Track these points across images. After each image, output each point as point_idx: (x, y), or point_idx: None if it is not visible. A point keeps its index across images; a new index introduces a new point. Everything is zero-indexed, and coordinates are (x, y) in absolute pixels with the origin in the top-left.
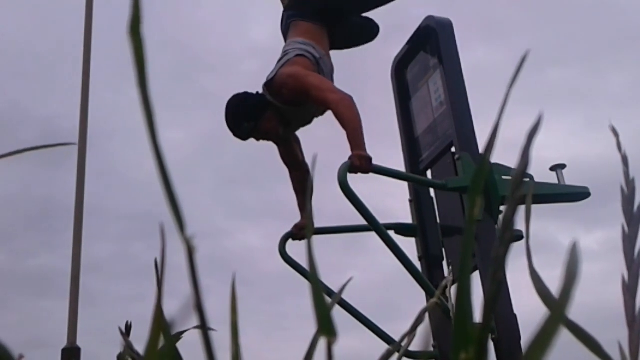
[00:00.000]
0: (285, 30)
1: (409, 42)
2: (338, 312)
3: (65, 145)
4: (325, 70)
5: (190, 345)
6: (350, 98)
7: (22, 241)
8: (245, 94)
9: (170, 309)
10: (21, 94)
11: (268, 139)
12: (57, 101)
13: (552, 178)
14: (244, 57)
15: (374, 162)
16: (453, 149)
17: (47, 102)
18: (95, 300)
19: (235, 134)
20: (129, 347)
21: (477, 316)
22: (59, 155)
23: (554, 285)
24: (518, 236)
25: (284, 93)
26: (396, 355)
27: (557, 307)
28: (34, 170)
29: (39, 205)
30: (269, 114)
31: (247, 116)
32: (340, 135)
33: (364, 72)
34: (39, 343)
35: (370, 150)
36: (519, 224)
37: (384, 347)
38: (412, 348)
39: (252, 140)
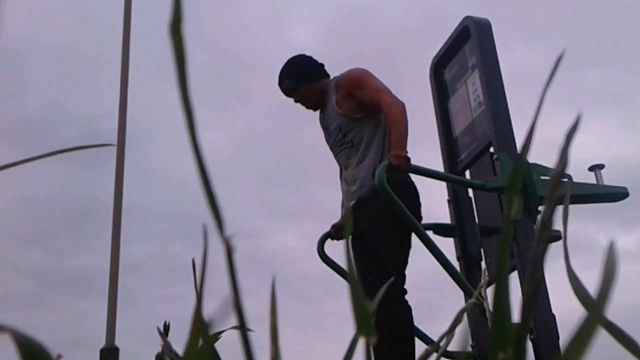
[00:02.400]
0: None
1: (447, 43)
2: None
3: (104, 146)
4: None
5: (229, 346)
6: (403, 105)
7: (62, 241)
8: (309, 57)
9: (209, 309)
10: (63, 95)
11: (303, 105)
12: (98, 102)
13: (590, 178)
14: (284, 57)
15: (412, 162)
16: (491, 149)
17: (88, 103)
18: (135, 300)
19: (280, 86)
20: (167, 347)
21: (516, 316)
22: (98, 156)
23: (592, 286)
24: (556, 236)
25: (342, 84)
26: (435, 355)
27: (595, 308)
28: (75, 171)
29: (79, 205)
30: (314, 85)
31: (293, 76)
32: None
33: (402, 73)
34: (78, 343)
35: (408, 150)
36: (557, 224)
37: (422, 347)
38: (450, 348)
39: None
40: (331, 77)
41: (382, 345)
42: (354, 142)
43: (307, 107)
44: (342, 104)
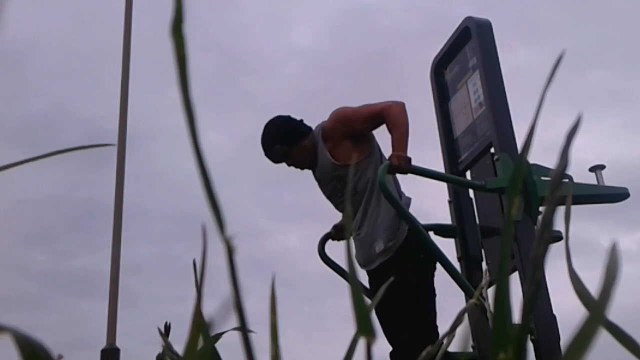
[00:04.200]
0: None
1: (447, 43)
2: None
3: (104, 146)
4: None
5: (230, 347)
6: (403, 104)
7: (65, 242)
8: (288, 117)
9: (210, 310)
10: (66, 96)
11: (297, 167)
12: (101, 103)
13: (591, 179)
14: (286, 59)
15: (413, 163)
16: (492, 150)
17: (91, 103)
18: (136, 301)
19: (267, 154)
20: (167, 347)
21: (516, 317)
22: (101, 157)
23: (594, 287)
24: (557, 237)
25: (330, 132)
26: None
27: (596, 308)
28: (78, 172)
29: (82, 206)
30: (305, 143)
31: (281, 139)
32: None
33: (403, 74)
34: (80, 344)
35: (409, 151)
36: (559, 225)
37: None
38: (451, 348)
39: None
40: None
41: None
42: (358, 189)
43: (302, 168)
44: (338, 153)
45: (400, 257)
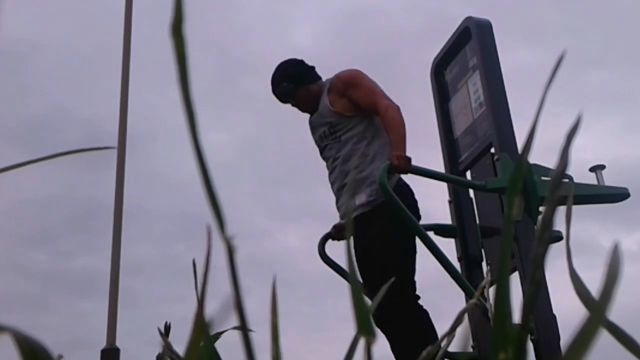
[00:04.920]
0: None
1: (448, 43)
2: None
3: (105, 148)
4: None
5: (230, 346)
6: (398, 107)
7: (65, 242)
8: (301, 60)
9: (210, 309)
10: (66, 96)
11: (299, 109)
12: (101, 103)
13: (591, 179)
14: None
15: (413, 163)
16: (492, 150)
17: (91, 104)
18: (137, 301)
19: (274, 91)
20: (167, 347)
21: (517, 317)
22: (102, 157)
23: (594, 287)
24: (557, 237)
25: (337, 84)
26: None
27: (597, 308)
28: (78, 172)
29: (82, 206)
30: (312, 88)
31: (290, 78)
32: None
33: (404, 74)
34: (80, 344)
35: (409, 152)
36: (559, 225)
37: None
38: (451, 349)
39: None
40: (323, 80)
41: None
42: (342, 138)
43: (303, 111)
44: (335, 103)
45: (380, 212)
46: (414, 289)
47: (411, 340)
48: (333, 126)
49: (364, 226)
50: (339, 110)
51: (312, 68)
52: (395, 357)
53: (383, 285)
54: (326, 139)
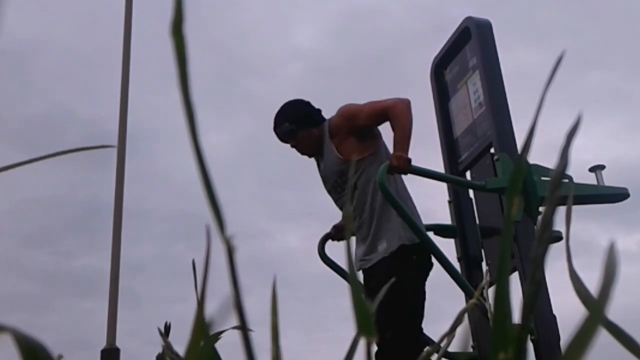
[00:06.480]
0: None
1: (447, 43)
2: None
3: (104, 147)
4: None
5: (230, 346)
6: (408, 101)
7: (66, 242)
8: (307, 103)
9: (210, 309)
10: (67, 96)
11: (299, 151)
12: (101, 103)
13: (591, 179)
14: (287, 60)
15: (413, 163)
16: (492, 150)
17: (92, 104)
18: (137, 301)
19: (275, 129)
20: (167, 347)
21: (516, 317)
22: (102, 157)
23: (594, 287)
24: (557, 237)
25: (337, 127)
26: (435, 355)
27: (596, 308)
28: (79, 172)
29: (83, 206)
30: (314, 131)
31: (293, 120)
32: None
33: (404, 74)
34: (80, 344)
35: (409, 151)
36: (559, 225)
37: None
38: (451, 349)
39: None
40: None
41: None
42: (358, 185)
43: (302, 153)
44: (342, 146)
45: (397, 259)
46: (421, 334)
47: None
48: (344, 174)
49: (380, 273)
50: (348, 156)
51: (318, 111)
52: None
53: (389, 326)
54: (339, 189)
